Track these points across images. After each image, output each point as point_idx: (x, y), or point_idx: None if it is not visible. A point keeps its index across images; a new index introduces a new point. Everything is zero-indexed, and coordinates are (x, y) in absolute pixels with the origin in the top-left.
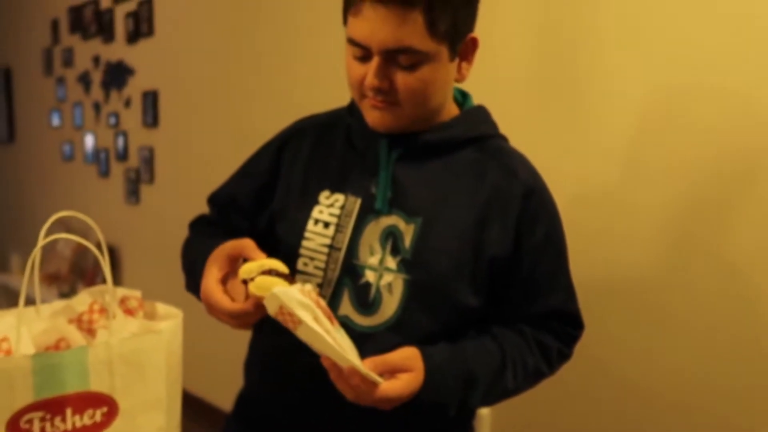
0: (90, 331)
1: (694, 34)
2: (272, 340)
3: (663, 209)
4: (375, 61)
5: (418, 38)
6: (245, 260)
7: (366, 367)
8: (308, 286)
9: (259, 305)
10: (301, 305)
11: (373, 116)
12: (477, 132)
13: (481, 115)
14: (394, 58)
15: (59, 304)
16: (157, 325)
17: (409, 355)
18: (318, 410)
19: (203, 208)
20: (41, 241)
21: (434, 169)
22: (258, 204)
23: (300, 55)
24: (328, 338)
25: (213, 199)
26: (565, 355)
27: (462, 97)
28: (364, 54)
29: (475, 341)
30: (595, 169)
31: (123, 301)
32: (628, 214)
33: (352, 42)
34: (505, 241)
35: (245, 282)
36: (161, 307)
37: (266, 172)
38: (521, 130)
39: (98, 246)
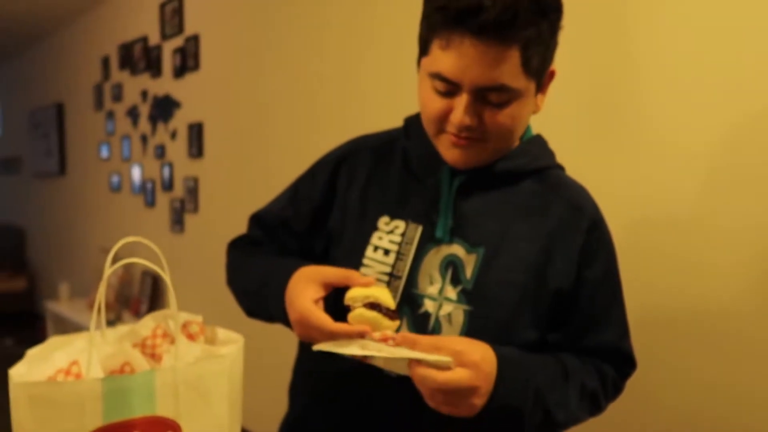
0: (153, 356)
1: (758, 54)
2: (319, 364)
3: (741, 233)
4: (465, 99)
5: (512, 76)
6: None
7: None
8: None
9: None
10: (341, 346)
11: (453, 154)
12: (538, 164)
13: (540, 145)
14: (485, 95)
15: (124, 328)
16: (220, 350)
17: (474, 342)
18: None
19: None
20: (108, 270)
21: (496, 200)
22: (312, 227)
23: (344, 89)
24: (382, 354)
25: (260, 220)
26: (618, 389)
27: None
28: (449, 89)
29: (538, 356)
30: (667, 190)
31: (185, 326)
32: (703, 240)
33: (438, 77)
34: (568, 274)
35: (347, 307)
36: (221, 332)
37: (321, 194)
38: (580, 153)
39: (150, 282)
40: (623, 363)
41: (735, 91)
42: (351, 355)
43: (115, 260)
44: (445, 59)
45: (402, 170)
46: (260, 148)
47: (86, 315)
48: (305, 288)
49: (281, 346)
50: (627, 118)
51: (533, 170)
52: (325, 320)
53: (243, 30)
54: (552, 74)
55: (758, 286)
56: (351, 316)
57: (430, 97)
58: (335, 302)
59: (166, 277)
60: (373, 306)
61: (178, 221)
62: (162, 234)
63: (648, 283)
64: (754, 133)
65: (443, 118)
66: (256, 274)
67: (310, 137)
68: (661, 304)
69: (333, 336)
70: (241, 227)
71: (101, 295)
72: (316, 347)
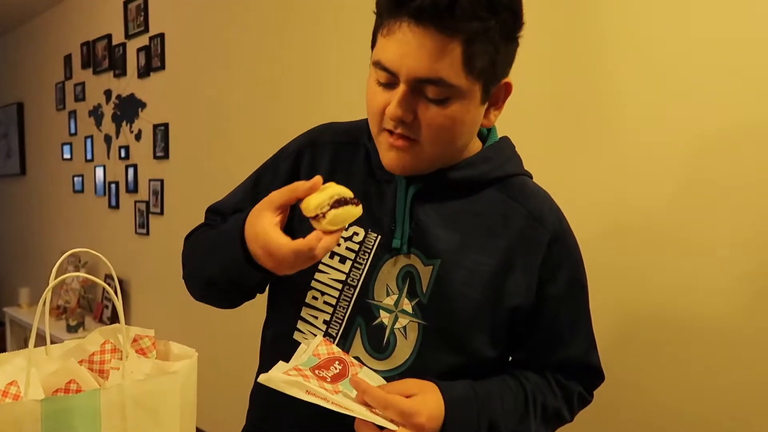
0: (101, 372)
1: (732, 63)
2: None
3: (716, 239)
4: (401, 89)
5: (452, 70)
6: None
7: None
8: (316, 340)
9: (331, 233)
10: (289, 385)
11: (389, 157)
12: (502, 172)
13: (506, 151)
14: (422, 89)
15: (70, 343)
16: (172, 365)
17: (423, 383)
18: None
19: None
20: (52, 281)
21: (455, 209)
22: None
23: (307, 89)
24: (328, 405)
25: (217, 210)
26: (585, 400)
27: (486, 129)
28: (389, 80)
29: (496, 380)
30: (640, 197)
31: (136, 341)
32: (678, 246)
33: (378, 65)
34: (528, 289)
35: (315, 218)
36: (175, 346)
37: (281, 185)
38: (545, 160)
39: (110, 281)
40: (591, 376)
41: (710, 99)
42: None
43: (77, 266)
44: (386, 47)
45: (363, 172)
46: (227, 150)
47: (47, 327)
48: (258, 218)
49: (245, 349)
50: (599, 123)
51: (495, 179)
52: (281, 240)
53: (209, 30)
54: (507, 87)
55: (734, 289)
56: (326, 222)
57: (373, 90)
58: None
59: (117, 294)
60: (340, 202)
61: (142, 224)
62: (126, 237)
63: (623, 290)
64: (727, 141)
65: (383, 113)
66: (211, 238)
67: (276, 139)
68: (635, 311)
69: (295, 253)
70: None
71: (39, 310)
72: (261, 379)
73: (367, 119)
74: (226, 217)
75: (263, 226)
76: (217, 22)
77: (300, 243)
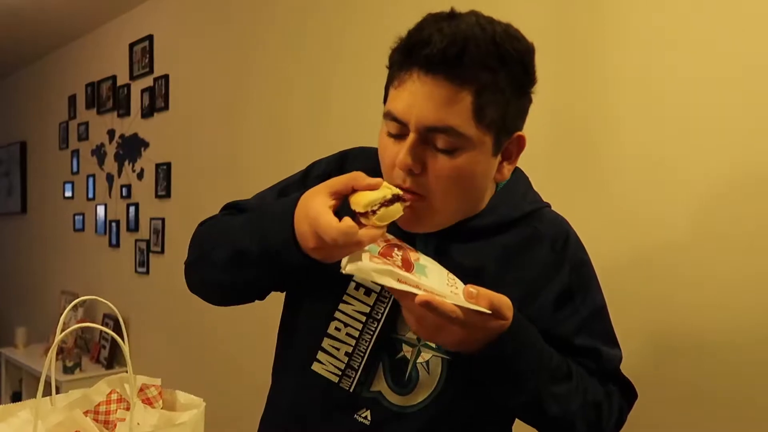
0: (107, 423)
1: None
2: (294, 395)
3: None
4: (410, 139)
5: (462, 120)
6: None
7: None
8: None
9: (380, 227)
10: (379, 273)
11: (402, 217)
12: (521, 212)
13: (521, 186)
14: (432, 138)
15: (75, 393)
16: (179, 416)
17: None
18: None
19: None
20: (59, 335)
21: (481, 245)
22: None
23: (311, 129)
24: (420, 292)
25: (238, 206)
26: (621, 419)
27: None
28: (399, 131)
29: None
30: (625, 237)
31: (142, 390)
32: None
33: (388, 116)
34: (549, 315)
35: (365, 214)
36: (182, 396)
37: None
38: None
39: (108, 320)
40: (627, 390)
41: (704, 124)
42: (385, 286)
43: (76, 306)
44: (397, 97)
45: None
46: (228, 189)
47: (43, 362)
48: (313, 199)
49: (248, 389)
50: (601, 149)
51: (511, 221)
52: (332, 220)
53: (212, 71)
54: (521, 141)
55: (751, 294)
56: (375, 218)
57: (384, 144)
58: None
59: (125, 341)
60: (392, 201)
61: (143, 263)
62: (126, 275)
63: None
64: (722, 160)
65: (394, 167)
66: (245, 217)
67: (278, 179)
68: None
69: (342, 234)
70: None
71: (47, 363)
72: (349, 269)
73: None
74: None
75: (316, 206)
76: (221, 65)
77: (350, 224)
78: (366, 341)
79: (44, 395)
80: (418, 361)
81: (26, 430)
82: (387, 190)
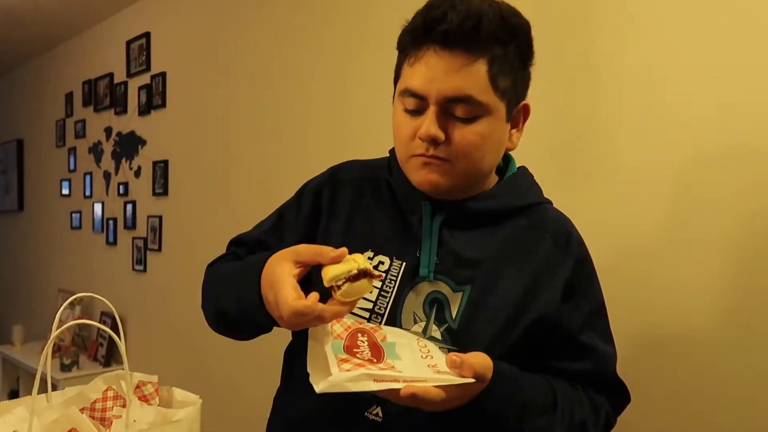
0: (103, 420)
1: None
2: (301, 403)
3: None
4: (432, 111)
5: (479, 89)
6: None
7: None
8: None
9: (346, 303)
10: (353, 382)
11: (420, 175)
12: (524, 201)
13: (526, 180)
14: (452, 109)
15: (71, 390)
16: (176, 413)
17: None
18: None
19: None
20: (55, 331)
21: (482, 237)
22: None
23: (306, 127)
24: (400, 385)
25: (241, 241)
26: (610, 422)
27: (503, 161)
28: (418, 106)
29: (530, 375)
30: (628, 243)
31: (138, 387)
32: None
33: (406, 92)
34: (550, 309)
35: (331, 287)
36: (178, 393)
37: (306, 221)
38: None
39: (106, 318)
40: (618, 393)
41: (694, 128)
42: (365, 391)
43: (73, 303)
44: (414, 74)
45: (386, 204)
46: (226, 187)
47: (40, 360)
48: (279, 265)
49: (244, 387)
50: (598, 156)
51: (518, 208)
52: (288, 295)
53: (210, 68)
54: (526, 109)
55: (724, 297)
56: (340, 294)
57: (401, 121)
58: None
59: (121, 338)
60: (358, 276)
61: (140, 260)
62: (123, 273)
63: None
64: (710, 165)
65: (413, 139)
66: (230, 271)
67: (275, 177)
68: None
69: (296, 314)
70: (204, 267)
71: (42, 361)
72: (321, 388)
73: (385, 157)
74: (251, 248)
75: (280, 274)
76: (218, 62)
77: (305, 304)
78: None
79: (40, 392)
80: None
81: (22, 427)
82: (353, 263)
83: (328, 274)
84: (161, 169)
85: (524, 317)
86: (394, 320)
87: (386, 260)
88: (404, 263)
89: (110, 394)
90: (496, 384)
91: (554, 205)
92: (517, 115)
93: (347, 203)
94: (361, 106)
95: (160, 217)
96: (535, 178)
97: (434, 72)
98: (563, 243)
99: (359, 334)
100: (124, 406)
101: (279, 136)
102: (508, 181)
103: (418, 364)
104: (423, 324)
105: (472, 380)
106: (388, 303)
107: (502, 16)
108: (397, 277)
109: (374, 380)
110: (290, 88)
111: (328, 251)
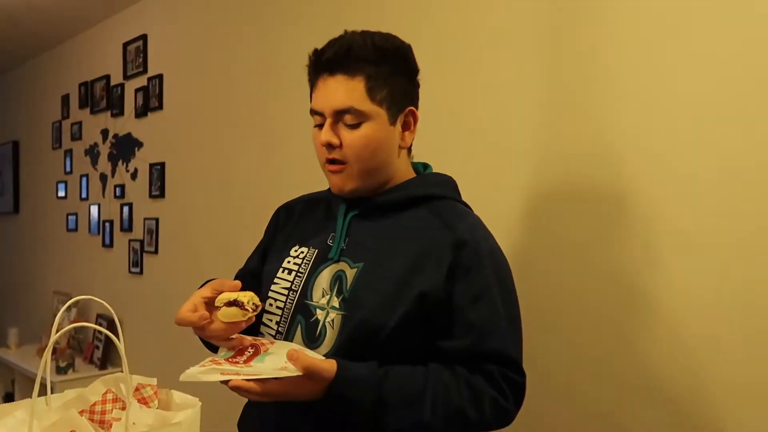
0: (102, 423)
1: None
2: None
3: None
4: (327, 122)
5: (359, 100)
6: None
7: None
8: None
9: (224, 323)
10: (204, 374)
11: (332, 181)
12: (422, 192)
13: (437, 179)
14: (342, 118)
15: (71, 393)
16: (175, 416)
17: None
18: None
19: (206, 279)
20: (54, 335)
21: (384, 225)
22: (260, 262)
23: (304, 131)
24: (239, 377)
25: (238, 277)
26: (502, 407)
27: (423, 168)
28: (320, 121)
29: (403, 367)
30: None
31: (138, 389)
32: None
33: (312, 112)
34: (435, 283)
35: (218, 308)
36: (177, 395)
37: (267, 237)
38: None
39: (101, 321)
40: (509, 370)
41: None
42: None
43: (68, 307)
44: (315, 97)
45: (321, 212)
46: (222, 189)
47: (35, 363)
48: (203, 288)
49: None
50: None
51: (420, 198)
52: (183, 308)
53: (207, 71)
54: (414, 114)
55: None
56: (218, 314)
57: (314, 135)
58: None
59: (120, 340)
60: (232, 303)
61: (136, 263)
62: (120, 276)
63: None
64: (711, 167)
65: (321, 148)
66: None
67: (272, 179)
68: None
69: (178, 321)
70: (200, 270)
71: (46, 362)
72: (182, 378)
73: (328, 189)
74: (243, 280)
75: (194, 294)
76: (215, 64)
77: (182, 314)
78: (288, 309)
79: (39, 395)
80: (326, 320)
81: (21, 430)
82: (236, 295)
83: (220, 298)
84: (158, 172)
85: (408, 289)
86: (305, 295)
87: (305, 249)
88: (317, 250)
89: (109, 396)
90: (339, 383)
91: (470, 208)
92: (407, 119)
93: (296, 215)
94: None
95: (157, 220)
96: (453, 183)
97: (325, 92)
98: (450, 226)
99: (250, 348)
100: (123, 408)
101: (275, 139)
102: (416, 178)
103: (273, 366)
104: (328, 297)
105: (294, 375)
106: (302, 281)
107: (373, 43)
108: (310, 261)
109: (221, 373)
110: (286, 89)
111: (229, 282)
